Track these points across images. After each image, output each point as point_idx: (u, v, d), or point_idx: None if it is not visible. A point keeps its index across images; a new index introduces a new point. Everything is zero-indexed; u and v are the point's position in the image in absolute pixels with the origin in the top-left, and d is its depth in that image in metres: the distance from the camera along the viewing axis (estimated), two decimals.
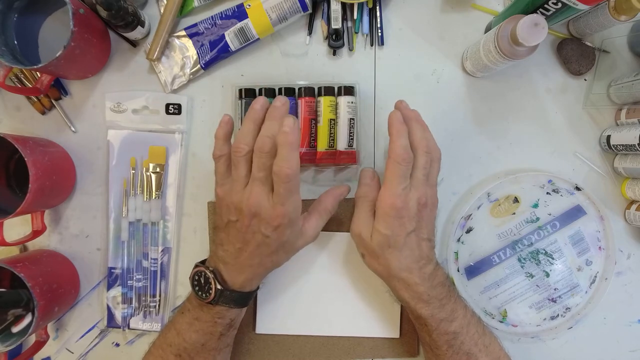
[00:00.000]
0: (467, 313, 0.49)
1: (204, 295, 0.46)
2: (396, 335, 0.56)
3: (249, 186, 0.44)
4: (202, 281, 0.46)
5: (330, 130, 0.54)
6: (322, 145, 0.54)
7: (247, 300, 0.48)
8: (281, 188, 0.42)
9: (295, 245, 0.48)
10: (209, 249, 0.56)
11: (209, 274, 0.46)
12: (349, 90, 0.54)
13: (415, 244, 0.47)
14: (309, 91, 0.54)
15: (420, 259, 0.47)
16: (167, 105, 0.56)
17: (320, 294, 0.56)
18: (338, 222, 0.56)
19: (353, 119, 0.54)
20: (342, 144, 0.54)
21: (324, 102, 0.53)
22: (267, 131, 0.43)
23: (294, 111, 0.54)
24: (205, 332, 0.47)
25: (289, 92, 0.54)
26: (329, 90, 0.54)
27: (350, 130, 0.54)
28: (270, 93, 0.54)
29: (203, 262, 0.49)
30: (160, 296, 0.56)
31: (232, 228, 0.46)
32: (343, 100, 0.54)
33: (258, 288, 0.50)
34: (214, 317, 0.46)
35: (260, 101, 0.46)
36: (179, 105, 0.56)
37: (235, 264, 0.46)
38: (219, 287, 0.45)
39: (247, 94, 0.54)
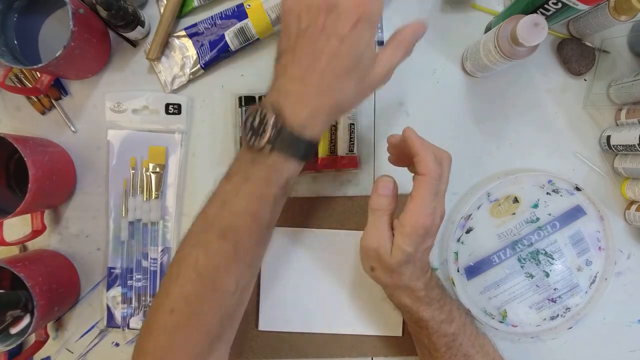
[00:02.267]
0: (462, 314, 0.49)
1: (258, 139, 0.38)
2: (398, 333, 0.56)
3: None
4: (257, 123, 0.38)
5: (331, 136, 0.54)
6: (323, 151, 0.54)
7: (306, 151, 0.40)
8: None
9: (368, 73, 0.40)
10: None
11: (265, 109, 0.38)
12: None
13: (426, 255, 0.46)
14: None
15: (425, 266, 0.47)
16: (167, 105, 0.56)
17: (322, 291, 0.56)
18: (340, 220, 0.56)
19: (353, 124, 0.54)
20: (342, 150, 0.54)
21: None
22: None
23: None
24: (257, 197, 0.39)
25: None
26: None
27: (350, 135, 0.54)
28: None
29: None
30: None
31: (302, 39, 0.39)
32: None
33: (318, 144, 0.43)
34: (268, 171, 0.39)
35: None
36: (179, 105, 0.56)
37: (300, 91, 0.39)
38: (275, 124, 0.38)
39: (247, 102, 0.54)
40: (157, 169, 0.56)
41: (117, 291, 0.56)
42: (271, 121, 0.38)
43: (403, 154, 0.46)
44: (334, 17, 0.38)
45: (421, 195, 0.42)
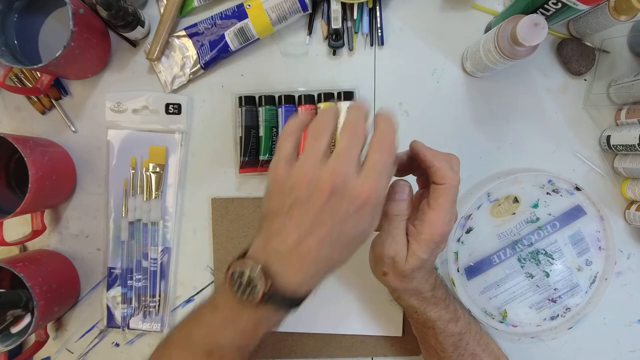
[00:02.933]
0: (465, 313, 0.49)
1: (246, 297, 0.37)
2: (399, 333, 0.56)
3: (332, 160, 0.38)
4: (245, 280, 0.38)
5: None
6: None
7: (298, 302, 0.40)
8: (382, 157, 0.38)
9: (366, 237, 0.40)
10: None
11: (255, 273, 0.37)
12: (348, 96, 0.54)
13: (435, 259, 0.46)
14: (309, 98, 0.54)
15: (432, 269, 0.47)
16: (167, 105, 0.56)
17: (323, 292, 0.56)
18: None
19: None
20: None
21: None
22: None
23: None
24: (244, 337, 0.40)
25: (289, 99, 0.55)
26: (328, 97, 0.54)
27: None
28: (270, 100, 0.54)
29: (243, 255, 0.40)
30: (160, 296, 0.56)
31: (299, 209, 0.38)
32: (343, 106, 0.54)
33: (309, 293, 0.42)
34: (257, 321, 0.39)
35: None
36: (179, 105, 0.56)
37: (295, 257, 0.38)
38: (269, 289, 0.37)
39: (247, 102, 0.54)
40: (157, 169, 0.56)
41: (117, 291, 0.56)
42: (262, 284, 0.37)
43: (407, 166, 0.46)
44: (338, 198, 0.37)
45: (441, 204, 0.42)
